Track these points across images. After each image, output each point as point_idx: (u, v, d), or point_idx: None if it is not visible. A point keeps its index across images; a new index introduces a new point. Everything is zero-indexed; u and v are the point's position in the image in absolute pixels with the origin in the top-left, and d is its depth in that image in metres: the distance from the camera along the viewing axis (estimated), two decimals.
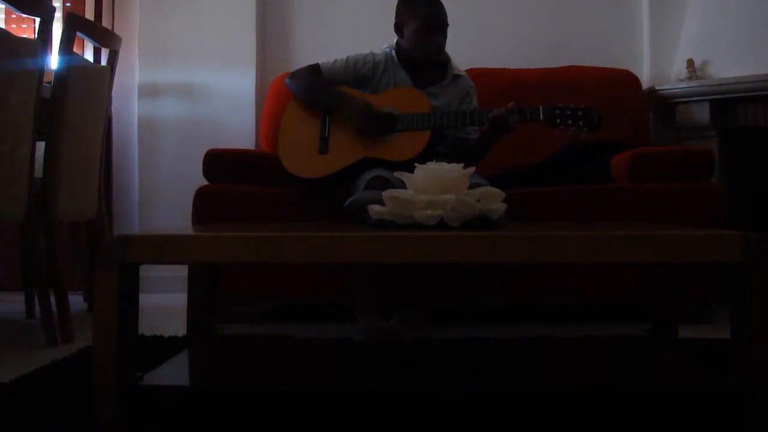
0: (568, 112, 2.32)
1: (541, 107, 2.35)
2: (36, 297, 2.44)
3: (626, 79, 3.30)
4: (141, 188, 3.57)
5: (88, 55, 3.44)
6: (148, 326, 2.32)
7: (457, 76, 2.64)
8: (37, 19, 2.39)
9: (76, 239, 3.10)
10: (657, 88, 3.38)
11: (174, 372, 1.80)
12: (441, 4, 2.54)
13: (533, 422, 1.49)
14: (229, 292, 2.54)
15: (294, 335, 2.34)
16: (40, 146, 2.44)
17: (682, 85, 3.28)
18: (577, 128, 2.31)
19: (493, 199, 1.57)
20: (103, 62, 3.11)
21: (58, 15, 2.99)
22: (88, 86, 2.68)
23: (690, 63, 3.28)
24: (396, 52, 2.61)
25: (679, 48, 3.45)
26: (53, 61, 2.73)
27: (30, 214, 2.35)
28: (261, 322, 2.71)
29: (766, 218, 3.05)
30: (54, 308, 2.36)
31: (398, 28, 2.59)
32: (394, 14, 2.59)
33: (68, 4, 3.57)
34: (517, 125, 2.37)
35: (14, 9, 2.39)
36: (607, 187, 2.67)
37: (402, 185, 1.74)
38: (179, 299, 2.15)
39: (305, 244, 1.38)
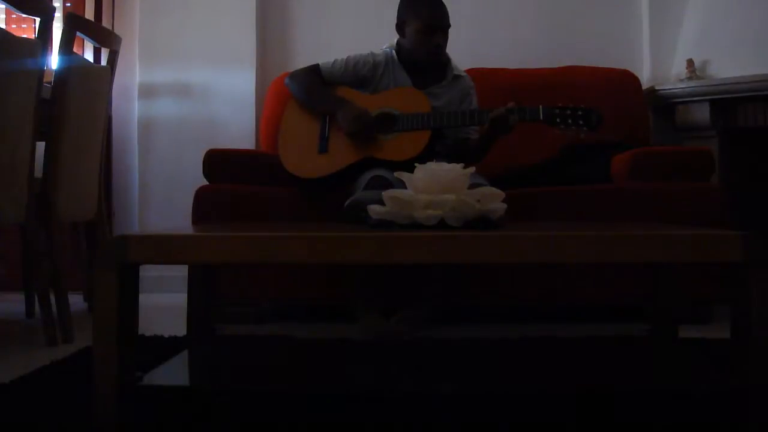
0: (568, 112, 2.32)
1: (540, 107, 2.35)
2: (36, 297, 2.44)
3: (626, 80, 3.30)
4: (141, 188, 3.57)
5: (88, 55, 3.44)
6: (148, 326, 2.31)
7: (458, 77, 2.64)
8: (37, 19, 2.39)
9: (76, 239, 3.10)
10: (657, 88, 3.38)
11: (174, 372, 1.80)
12: (443, 5, 2.54)
13: (533, 422, 1.49)
14: (229, 292, 2.55)
15: (294, 335, 2.34)
16: (40, 146, 2.44)
17: (682, 85, 3.28)
18: (577, 128, 2.31)
19: (493, 199, 1.57)
20: (103, 62, 3.11)
21: (58, 15, 2.99)
22: (88, 86, 2.68)
23: (690, 63, 3.28)
24: (396, 52, 2.61)
25: (679, 48, 3.45)
26: (53, 61, 2.73)
27: (30, 214, 2.35)
28: (261, 322, 2.71)
29: (766, 218, 3.05)
30: (54, 308, 2.36)
31: (400, 27, 2.59)
32: (394, 14, 2.60)
33: (68, 4, 3.57)
34: (516, 125, 2.37)
35: (14, 9, 2.39)
36: (607, 187, 2.67)
37: (402, 185, 1.74)
38: (179, 299, 2.15)
39: (305, 244, 1.38)
